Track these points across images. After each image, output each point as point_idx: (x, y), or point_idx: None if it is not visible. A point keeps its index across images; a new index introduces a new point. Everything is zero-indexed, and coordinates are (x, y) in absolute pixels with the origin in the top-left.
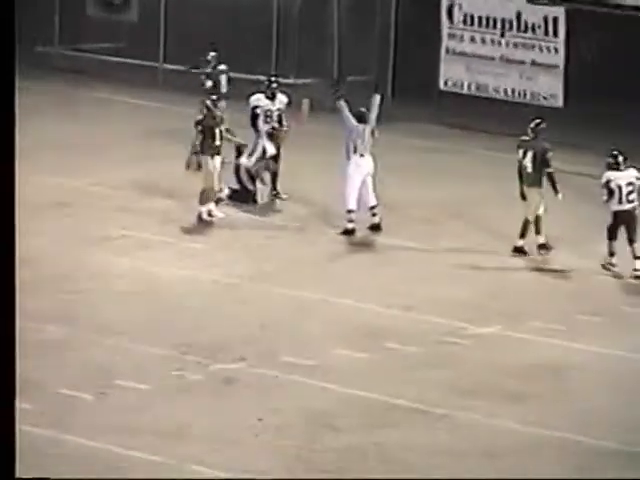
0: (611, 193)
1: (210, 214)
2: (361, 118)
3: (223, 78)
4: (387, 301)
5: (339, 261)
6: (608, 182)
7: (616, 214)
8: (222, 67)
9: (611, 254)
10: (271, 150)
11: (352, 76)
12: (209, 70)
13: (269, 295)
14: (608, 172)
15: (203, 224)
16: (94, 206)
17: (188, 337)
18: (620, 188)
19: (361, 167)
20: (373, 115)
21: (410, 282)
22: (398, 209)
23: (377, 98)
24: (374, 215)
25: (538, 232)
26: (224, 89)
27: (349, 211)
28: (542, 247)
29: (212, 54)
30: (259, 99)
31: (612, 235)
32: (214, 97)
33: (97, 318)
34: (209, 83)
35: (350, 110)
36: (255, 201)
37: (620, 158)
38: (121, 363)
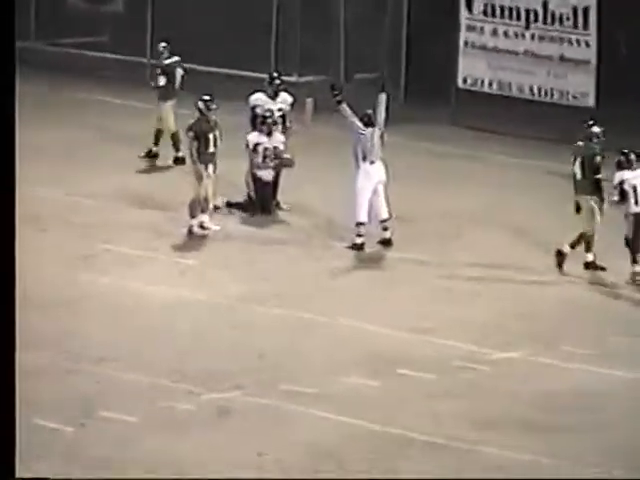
0: (624, 194)
1: (202, 226)
2: (368, 121)
3: (178, 72)
4: (399, 323)
5: (346, 279)
6: (622, 183)
7: (635, 217)
8: (175, 59)
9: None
10: (255, 140)
11: (360, 74)
12: (163, 63)
13: (268, 317)
14: (620, 172)
15: (194, 238)
16: (73, 219)
17: (178, 364)
18: (635, 189)
19: (372, 176)
20: (380, 117)
21: (425, 302)
22: (411, 221)
23: (383, 97)
24: (385, 229)
25: (588, 249)
26: (178, 84)
27: (358, 224)
28: (590, 266)
29: (163, 45)
30: (259, 98)
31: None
32: (207, 97)
33: (77, 343)
34: (162, 80)
35: (355, 113)
36: (266, 211)
37: (632, 156)
38: (104, 392)
